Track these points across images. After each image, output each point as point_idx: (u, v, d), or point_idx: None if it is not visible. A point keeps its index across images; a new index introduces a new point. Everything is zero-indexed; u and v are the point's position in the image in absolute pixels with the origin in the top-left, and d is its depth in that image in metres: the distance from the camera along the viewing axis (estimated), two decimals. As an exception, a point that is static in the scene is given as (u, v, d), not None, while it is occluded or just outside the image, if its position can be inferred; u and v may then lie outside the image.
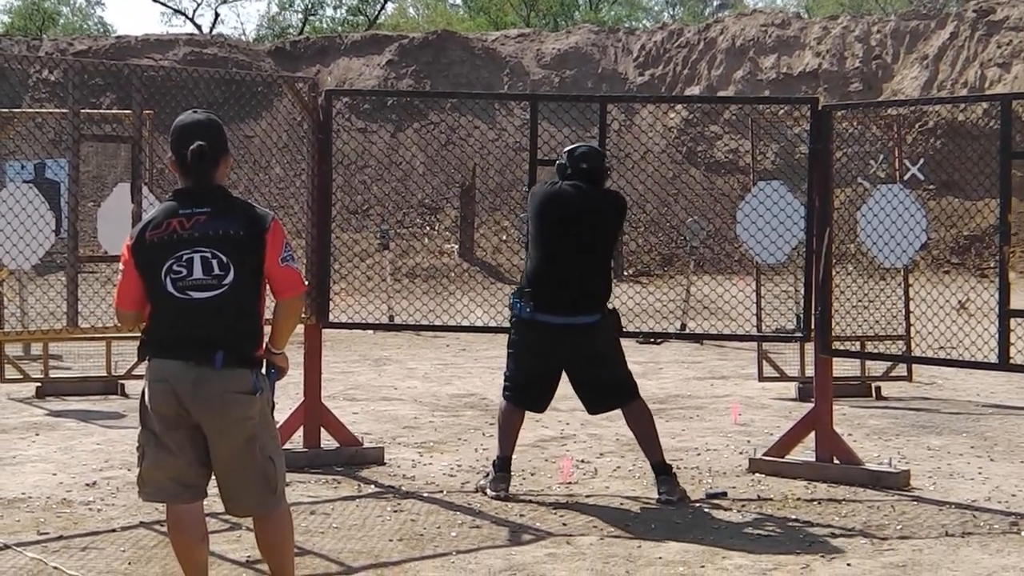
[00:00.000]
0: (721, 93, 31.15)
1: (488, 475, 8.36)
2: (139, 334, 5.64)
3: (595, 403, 8.46)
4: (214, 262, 5.39)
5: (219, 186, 5.57)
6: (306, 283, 5.70)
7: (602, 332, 8.25)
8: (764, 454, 8.97)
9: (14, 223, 8.49)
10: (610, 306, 8.30)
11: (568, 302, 8.06)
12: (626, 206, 8.46)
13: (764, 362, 12.92)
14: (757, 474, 8.83)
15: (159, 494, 5.58)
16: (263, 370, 5.56)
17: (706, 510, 7.91)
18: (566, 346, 8.14)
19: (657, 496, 8.12)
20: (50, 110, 16.06)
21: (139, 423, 5.59)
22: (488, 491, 8.22)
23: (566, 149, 8.32)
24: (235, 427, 5.42)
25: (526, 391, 8.35)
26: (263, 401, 5.49)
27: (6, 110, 12.47)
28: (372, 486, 8.49)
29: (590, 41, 33.16)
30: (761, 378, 12.99)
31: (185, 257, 5.39)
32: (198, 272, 5.38)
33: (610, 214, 8.28)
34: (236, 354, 5.40)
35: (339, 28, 39.84)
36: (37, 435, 10.40)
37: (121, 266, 5.56)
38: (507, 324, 9.80)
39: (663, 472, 8.18)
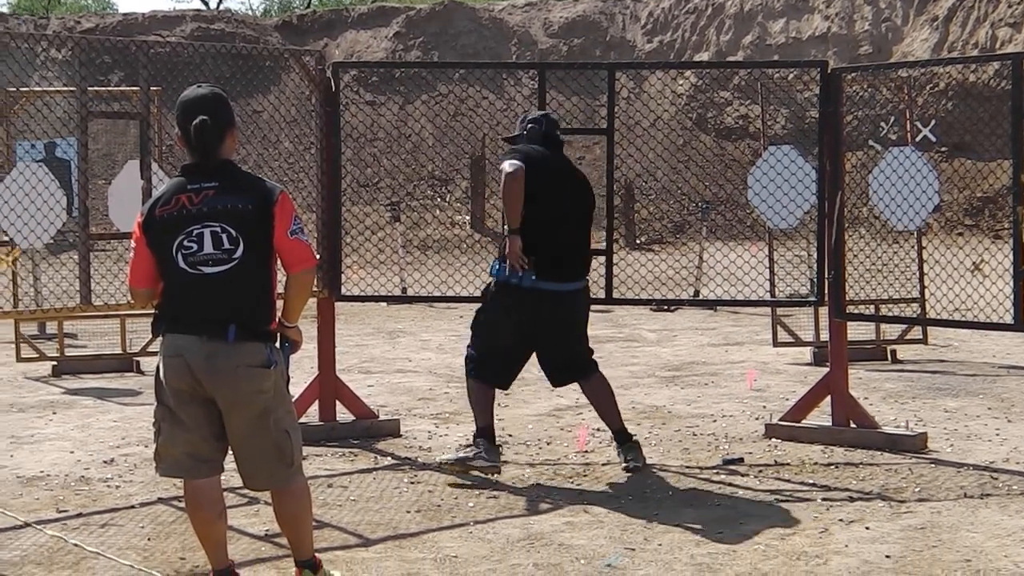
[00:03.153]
0: (730, 59, 31.03)
1: (469, 448, 8.06)
2: (153, 311, 5.65)
3: (561, 374, 8.29)
4: (224, 236, 5.40)
5: (226, 160, 5.58)
6: (317, 256, 5.68)
7: (586, 298, 8.23)
8: (780, 419, 8.96)
9: (25, 202, 8.50)
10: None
11: (571, 268, 8.02)
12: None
13: (778, 327, 12.89)
14: (773, 439, 8.83)
15: (176, 469, 5.61)
16: (276, 344, 5.57)
17: (723, 476, 7.91)
18: (556, 313, 8.00)
19: (624, 464, 8.04)
20: (58, 88, 16.03)
21: (155, 399, 5.62)
22: (482, 465, 7.92)
23: (533, 116, 8.23)
24: (249, 401, 5.44)
25: (503, 367, 8.12)
26: (277, 374, 5.50)
27: (14, 89, 12.44)
28: (388, 458, 8.50)
29: (597, 9, 33.03)
30: (776, 343, 12.98)
31: (195, 232, 5.41)
32: (208, 247, 5.40)
33: (589, 188, 8.29)
34: (248, 328, 5.42)
35: (345, 1, 39.77)
36: (54, 414, 10.42)
37: (133, 243, 5.59)
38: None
39: (625, 440, 8.12)
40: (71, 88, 12.95)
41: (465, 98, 26.41)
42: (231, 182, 5.51)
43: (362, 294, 10.71)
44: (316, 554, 5.78)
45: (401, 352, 13.80)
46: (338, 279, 9.18)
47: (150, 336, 11.67)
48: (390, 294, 14.15)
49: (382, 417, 9.37)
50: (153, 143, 8.81)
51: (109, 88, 17.69)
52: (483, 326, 8.11)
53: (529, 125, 8.16)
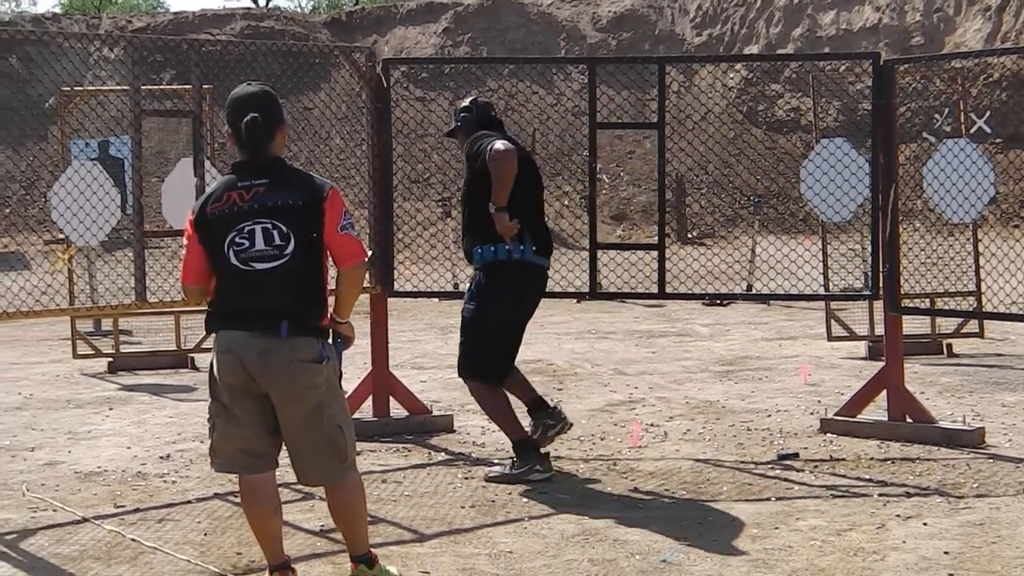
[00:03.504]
0: (780, 51, 30.88)
1: (513, 464, 7.80)
2: (206, 307, 5.68)
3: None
4: (275, 233, 5.42)
5: (276, 157, 5.60)
6: (369, 252, 5.70)
7: None
8: (836, 414, 8.91)
9: (80, 200, 8.56)
10: None
11: (547, 246, 8.01)
12: None
13: (832, 321, 12.83)
14: (829, 434, 8.78)
15: (231, 465, 5.63)
16: (329, 339, 5.58)
17: (778, 471, 7.87)
18: (540, 289, 8.04)
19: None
20: (112, 88, 16.14)
21: (209, 395, 5.64)
22: (537, 479, 7.66)
23: (461, 105, 8.21)
24: (302, 396, 5.46)
25: (506, 354, 7.92)
26: (329, 370, 5.52)
27: (68, 88, 12.54)
28: (442, 453, 8.51)
29: (646, 3, 32.94)
30: (830, 338, 12.91)
31: (247, 229, 5.43)
32: (260, 243, 5.42)
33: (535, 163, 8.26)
34: (301, 323, 5.43)
35: (394, -3, 39.96)
36: (110, 409, 10.49)
37: (185, 241, 5.62)
38: (571, 289, 9.82)
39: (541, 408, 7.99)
40: (124, 87, 13.03)
41: (515, 93, 26.39)
42: (281, 179, 5.53)
43: (414, 290, 10.72)
44: (371, 549, 5.79)
45: (453, 348, 13.67)
46: (390, 275, 9.20)
47: (204, 333, 11.76)
48: (442, 290, 14.19)
49: (435, 413, 9.39)
50: (205, 141, 8.83)
51: (162, 87, 17.80)
52: (480, 319, 7.86)
53: (461, 115, 8.14)
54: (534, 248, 7.83)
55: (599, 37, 32.02)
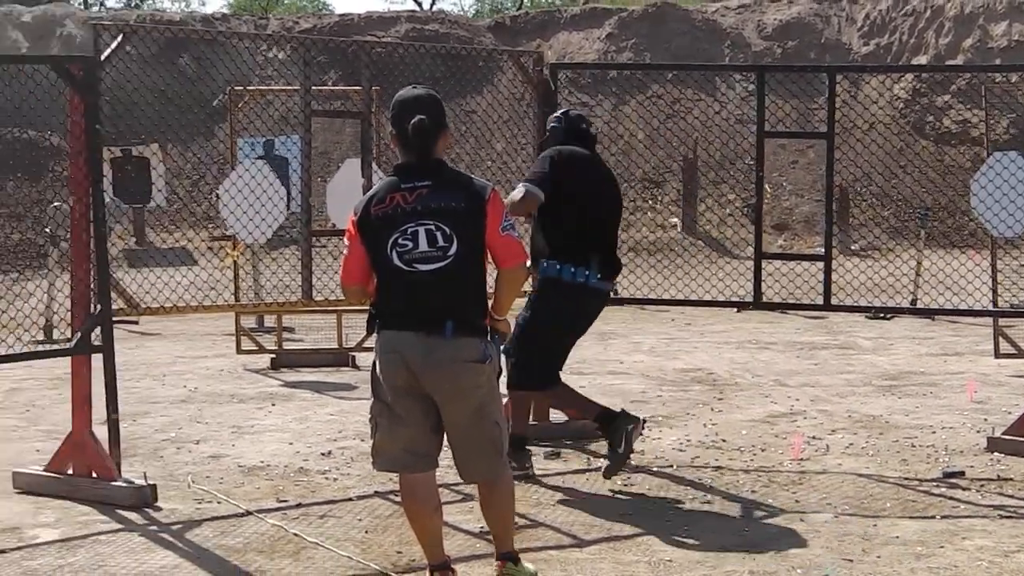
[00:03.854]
0: (949, 62, 30.29)
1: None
2: (368, 307, 5.76)
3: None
4: (438, 234, 5.50)
5: (439, 159, 5.68)
6: (527, 253, 5.78)
7: None
8: (1004, 433, 8.69)
9: (251, 198, 8.71)
10: None
11: (612, 268, 7.95)
12: None
13: (1000, 338, 12.53)
14: (996, 453, 8.56)
15: (393, 464, 5.72)
16: (489, 338, 5.63)
17: (943, 489, 7.70)
18: (597, 312, 8.04)
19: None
20: (283, 87, 16.39)
21: (371, 395, 5.72)
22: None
23: (554, 114, 8.16)
24: (466, 395, 5.56)
25: (553, 368, 7.95)
26: (491, 369, 5.61)
27: (240, 88, 12.76)
28: (602, 460, 8.46)
29: (812, 11, 32.53)
30: (997, 355, 12.61)
31: (410, 230, 5.51)
32: (423, 244, 5.50)
33: (617, 184, 8.22)
34: (465, 323, 5.52)
35: (557, 2, 39.88)
36: (273, 405, 10.65)
37: (347, 241, 5.72)
38: (734, 299, 9.75)
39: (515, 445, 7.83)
40: (293, 87, 13.23)
41: (678, 100, 26.27)
42: (444, 180, 5.61)
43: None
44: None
45: (612, 354, 13.76)
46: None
47: (365, 332, 11.89)
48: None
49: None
50: (373, 141, 8.91)
51: (332, 87, 18.03)
52: (532, 331, 7.80)
53: (551, 125, 8.11)
54: (599, 274, 7.75)
55: (764, 45, 31.71)
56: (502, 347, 5.94)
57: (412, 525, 5.77)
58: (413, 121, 5.56)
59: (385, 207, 5.57)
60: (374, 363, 5.69)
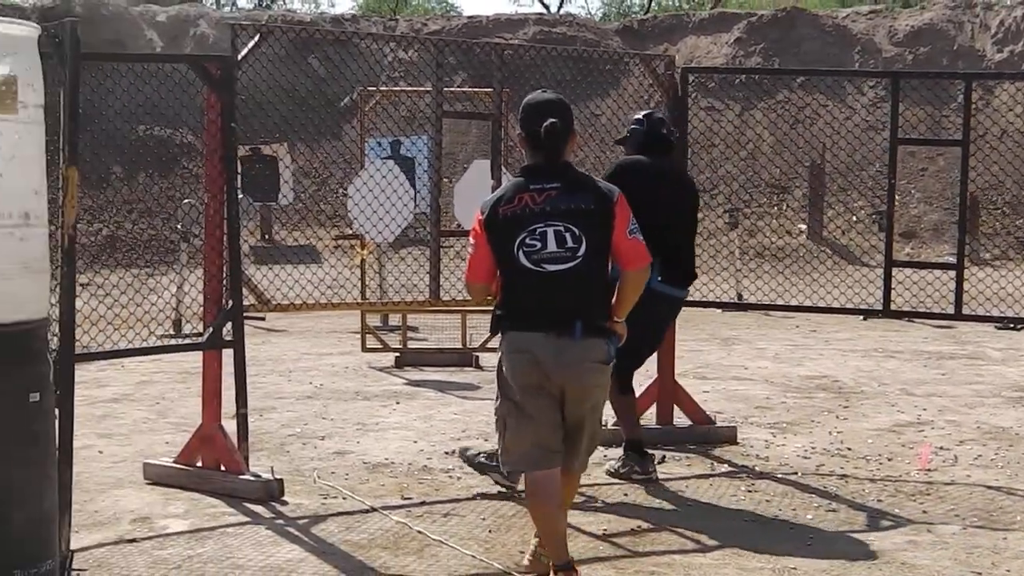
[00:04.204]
0: (1087, 69, 29.67)
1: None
2: (492, 307, 5.84)
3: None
4: (567, 235, 5.56)
5: (567, 162, 5.77)
6: (651, 258, 5.86)
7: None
8: None
9: (381, 198, 8.79)
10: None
11: (682, 275, 7.93)
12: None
13: None
14: None
15: (524, 462, 5.77)
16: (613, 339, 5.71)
17: (1077, 504, 7.55)
18: (666, 319, 8.09)
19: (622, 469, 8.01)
20: (410, 88, 16.50)
21: (498, 395, 5.77)
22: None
23: (636, 116, 8.08)
24: (589, 394, 5.71)
25: (624, 376, 7.82)
26: (611, 370, 5.74)
27: (373, 88, 12.87)
28: (725, 465, 8.44)
29: (945, 17, 32.07)
30: None
31: (538, 231, 5.57)
32: (552, 245, 5.57)
33: (693, 190, 8.20)
34: (593, 324, 5.60)
35: (685, 6, 39.78)
36: (397, 403, 10.73)
37: (472, 240, 5.79)
38: (862, 306, 9.65)
39: (633, 450, 8.01)
40: (423, 88, 13.31)
41: (805, 105, 26.03)
42: (572, 183, 5.69)
43: (700, 299, 10.66)
44: None
45: (736, 359, 13.67)
46: (681, 283, 9.14)
47: (490, 333, 11.94)
48: (727, 300, 14.09)
49: (719, 424, 9.31)
50: (503, 143, 8.95)
51: (463, 89, 18.11)
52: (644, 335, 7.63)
53: (632, 127, 8.04)
54: (659, 277, 7.57)
55: (895, 51, 31.31)
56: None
57: (537, 524, 5.81)
58: (546, 124, 5.64)
59: (513, 207, 5.63)
60: (500, 363, 5.74)
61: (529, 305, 5.62)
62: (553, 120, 5.64)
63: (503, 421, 5.77)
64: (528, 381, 5.61)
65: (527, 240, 5.58)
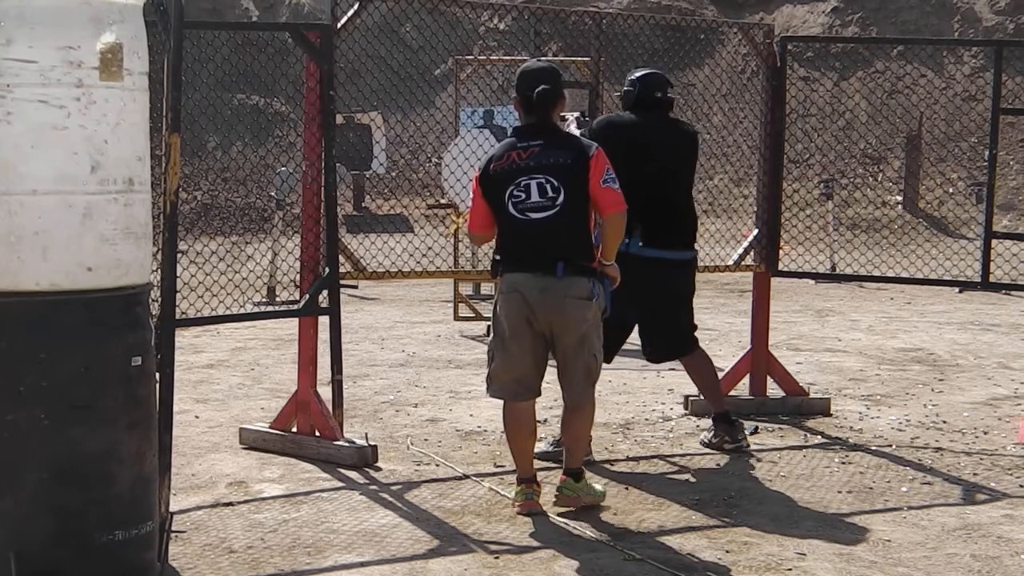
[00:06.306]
0: None
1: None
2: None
3: (664, 350, 8.04)
4: (547, 186, 6.31)
5: (554, 124, 6.57)
6: (626, 205, 6.44)
7: (694, 270, 8.00)
8: None
9: (476, 167, 8.78)
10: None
11: (678, 235, 7.75)
12: (698, 140, 8.05)
13: None
14: None
15: (503, 392, 6.60)
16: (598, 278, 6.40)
17: None
18: (663, 284, 7.71)
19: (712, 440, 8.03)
20: (504, 57, 16.49)
21: (492, 332, 6.66)
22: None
23: (629, 77, 7.85)
24: (574, 327, 6.37)
25: (609, 344, 7.20)
26: (597, 306, 6.41)
27: (469, 57, 12.88)
28: (819, 436, 8.40)
29: (1048, -15, 31.51)
30: None
31: (523, 183, 6.34)
32: (535, 196, 6.33)
33: (690, 147, 7.92)
34: (574, 264, 6.31)
35: (782, -25, 39.31)
36: (489, 372, 10.75)
37: (471, 195, 6.62)
38: (961, 277, 9.54)
39: (725, 421, 7.98)
40: (518, 57, 13.30)
41: (902, 75, 25.72)
42: (554, 140, 6.43)
43: (797, 270, 10.61)
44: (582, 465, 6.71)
45: (830, 331, 13.58)
46: (775, 254, 9.11)
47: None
48: (821, 271, 13.99)
49: (812, 395, 9.27)
50: (600, 111, 8.90)
51: (560, 58, 18.09)
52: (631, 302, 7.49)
53: (625, 89, 7.87)
54: (641, 242, 7.47)
55: (996, 20, 30.80)
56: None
57: (510, 445, 6.69)
58: (539, 89, 6.38)
59: (502, 163, 6.40)
60: (495, 303, 6.57)
61: (519, 249, 6.39)
62: (545, 86, 6.38)
63: (491, 353, 6.59)
64: (516, 319, 6.35)
65: (514, 192, 6.34)
